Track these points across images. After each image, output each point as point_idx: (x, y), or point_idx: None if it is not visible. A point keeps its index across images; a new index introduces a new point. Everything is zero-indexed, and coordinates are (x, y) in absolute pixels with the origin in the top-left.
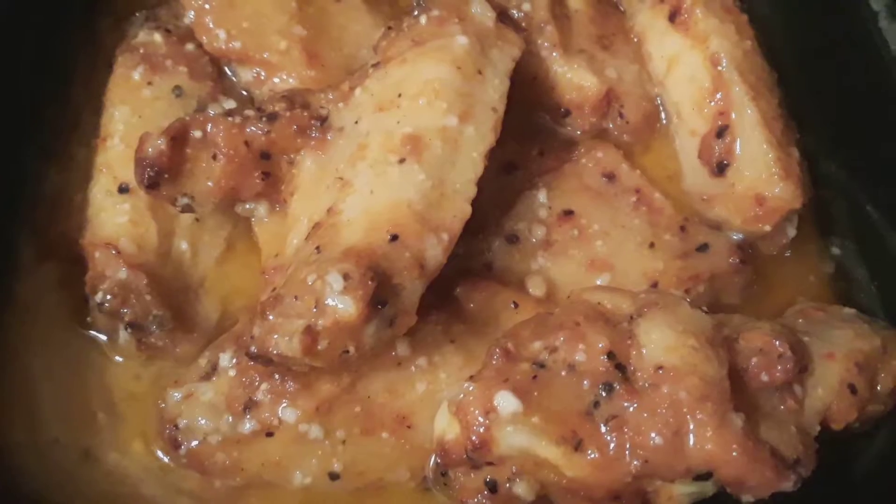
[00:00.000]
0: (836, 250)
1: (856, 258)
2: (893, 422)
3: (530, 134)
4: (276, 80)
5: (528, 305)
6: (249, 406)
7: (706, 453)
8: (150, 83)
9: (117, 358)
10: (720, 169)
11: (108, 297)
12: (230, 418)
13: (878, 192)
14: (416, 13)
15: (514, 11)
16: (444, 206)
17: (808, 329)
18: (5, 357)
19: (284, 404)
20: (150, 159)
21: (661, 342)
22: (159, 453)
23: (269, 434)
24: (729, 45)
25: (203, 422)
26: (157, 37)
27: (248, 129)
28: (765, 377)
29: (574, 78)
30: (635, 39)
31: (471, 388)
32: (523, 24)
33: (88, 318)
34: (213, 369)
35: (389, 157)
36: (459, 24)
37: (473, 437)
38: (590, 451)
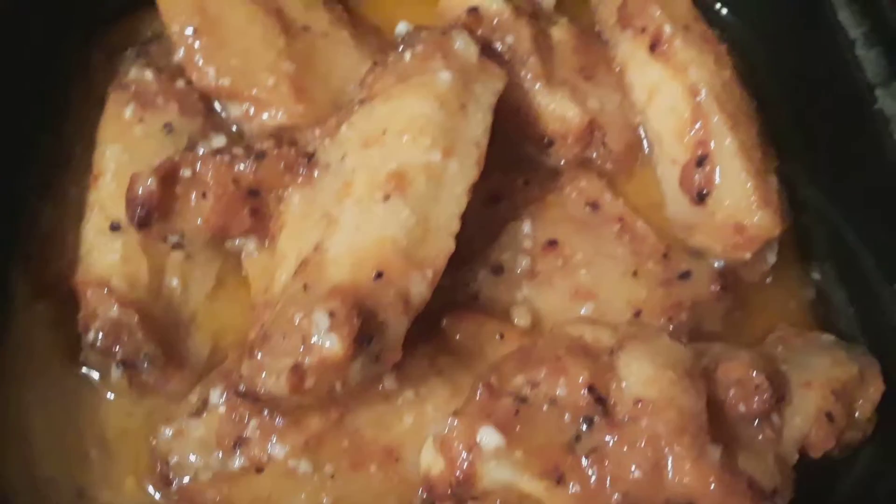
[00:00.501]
0: (816, 275)
1: (835, 283)
2: (872, 448)
3: (514, 164)
4: (266, 115)
5: (514, 336)
6: (239, 442)
7: (684, 486)
8: (141, 120)
9: (110, 395)
10: (700, 198)
11: (100, 335)
12: (220, 454)
13: (857, 217)
14: (400, 49)
15: (498, 44)
16: (428, 242)
17: (786, 357)
18: None
19: (273, 440)
20: (140, 199)
21: (641, 375)
22: (151, 490)
23: (259, 470)
24: (708, 75)
25: (194, 458)
26: (149, 74)
27: (236, 168)
28: (742, 408)
29: (557, 109)
30: (617, 69)
31: (455, 424)
32: (507, 57)
33: (81, 356)
34: (204, 406)
35: (374, 194)
36: (443, 60)
37: (458, 473)
38: (571, 485)
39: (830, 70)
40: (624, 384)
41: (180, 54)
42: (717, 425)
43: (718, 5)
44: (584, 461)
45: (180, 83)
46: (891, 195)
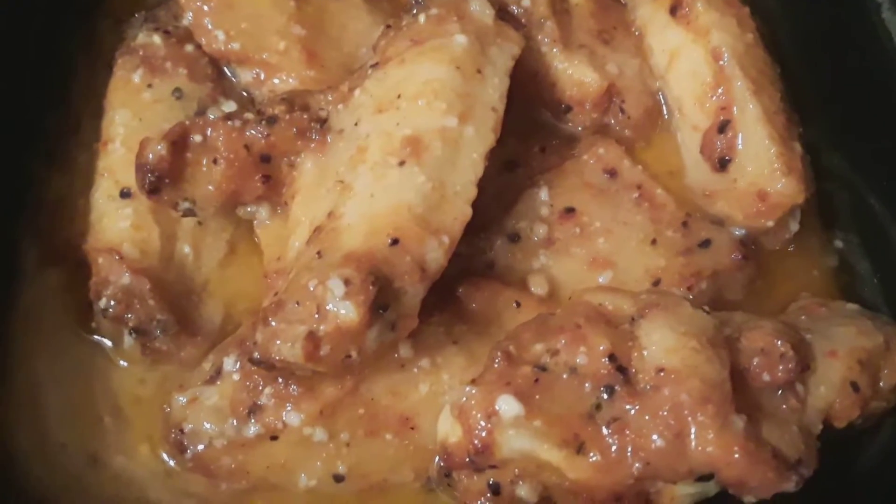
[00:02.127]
0: (839, 244)
1: (859, 252)
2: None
3: (531, 131)
4: (276, 80)
5: (531, 305)
6: (254, 410)
7: (708, 455)
8: (149, 85)
9: (122, 362)
10: (722, 164)
11: (112, 302)
12: (235, 422)
13: (881, 184)
14: (414, 12)
15: (514, 7)
16: (444, 208)
17: (810, 326)
18: (11, 363)
19: (288, 408)
20: (150, 165)
21: (663, 344)
22: (165, 457)
23: (274, 437)
24: (730, 38)
25: (208, 426)
26: (157, 38)
27: (247, 133)
28: (767, 377)
29: (575, 74)
30: (636, 33)
31: (473, 392)
32: (523, 20)
33: (93, 324)
34: (218, 373)
35: (389, 159)
36: (458, 23)
37: (476, 441)
38: (592, 454)
39: (855, 34)
40: (645, 353)
41: (189, 18)
42: (741, 395)
43: None
44: (604, 430)
45: (189, 48)
46: None
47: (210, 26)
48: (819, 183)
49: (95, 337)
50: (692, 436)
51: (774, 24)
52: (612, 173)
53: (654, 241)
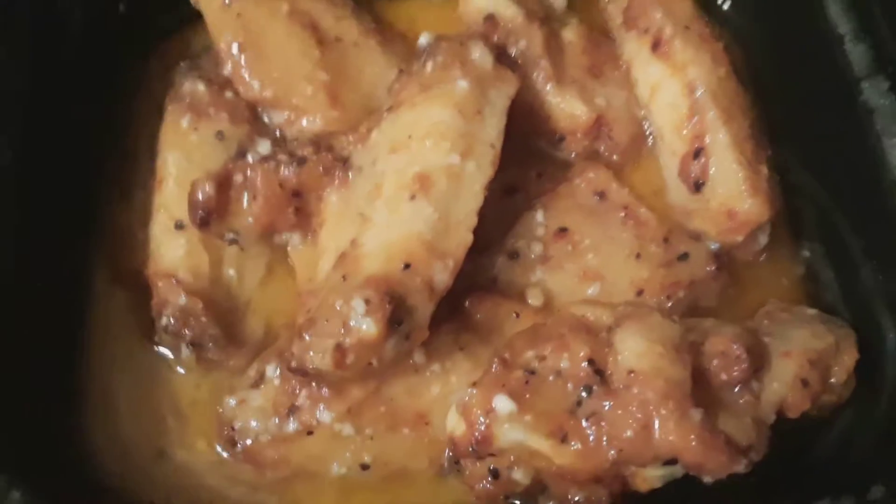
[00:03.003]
0: (806, 253)
1: (823, 260)
2: (850, 411)
3: (529, 158)
4: (305, 121)
5: (528, 315)
6: (292, 410)
7: (669, 443)
8: (196, 129)
9: (181, 370)
10: (697, 186)
11: (172, 320)
12: (277, 420)
13: (843, 199)
14: (422, 59)
15: (512, 48)
16: (449, 235)
17: (771, 330)
18: (88, 373)
19: (321, 407)
20: (201, 203)
21: (634, 349)
22: (219, 450)
23: (310, 433)
24: (704, 73)
25: (254, 423)
26: (201, 86)
27: (281, 173)
28: (724, 376)
29: (566, 108)
30: (624, 66)
31: (473, 392)
32: (520, 60)
33: (155, 337)
34: (261, 379)
35: (402, 193)
36: (461, 69)
37: (476, 434)
38: (574, 443)
39: (822, 63)
40: (619, 357)
41: (228, 68)
42: (703, 391)
43: (720, 0)
44: (584, 423)
45: (229, 94)
46: (872, 180)
47: (246, 76)
48: (789, 198)
49: (158, 349)
50: (656, 427)
51: (752, 51)
52: (602, 195)
53: (638, 256)
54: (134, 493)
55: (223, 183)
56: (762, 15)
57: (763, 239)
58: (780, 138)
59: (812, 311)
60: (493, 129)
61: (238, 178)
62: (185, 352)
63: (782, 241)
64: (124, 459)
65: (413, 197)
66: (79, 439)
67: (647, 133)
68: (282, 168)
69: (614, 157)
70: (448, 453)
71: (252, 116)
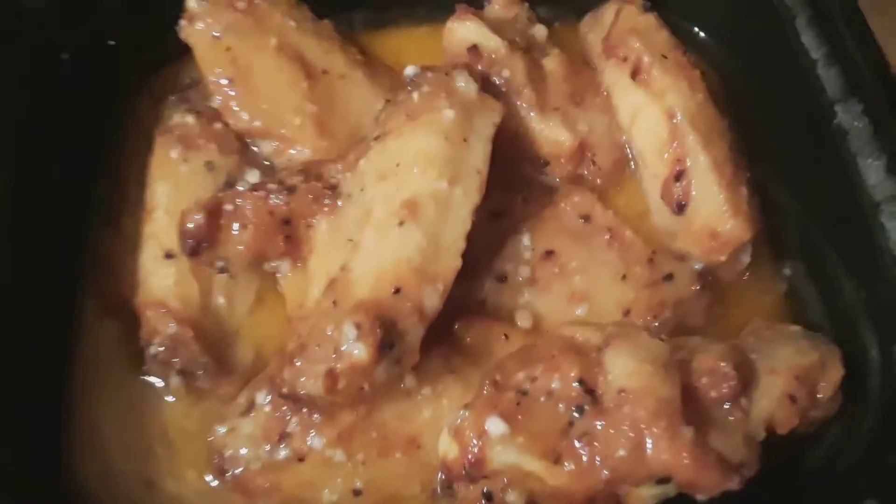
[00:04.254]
0: (787, 271)
1: (806, 277)
2: (837, 426)
3: (514, 183)
4: (293, 150)
5: (517, 336)
6: (283, 437)
7: (662, 462)
8: (185, 160)
9: (170, 399)
10: (680, 208)
11: (161, 348)
12: (268, 447)
13: (822, 217)
14: (409, 89)
15: (496, 77)
16: (438, 260)
17: (757, 347)
18: (75, 402)
19: (312, 434)
20: (191, 232)
21: (624, 369)
22: (209, 479)
23: (301, 459)
24: (682, 99)
25: (245, 451)
26: (190, 118)
27: (271, 201)
28: (713, 394)
29: (550, 134)
30: (605, 93)
31: (466, 415)
32: (504, 89)
33: (144, 367)
34: (251, 406)
35: (391, 220)
36: (447, 99)
37: (470, 457)
38: (567, 464)
39: (796, 86)
40: (610, 377)
41: (217, 101)
42: (692, 409)
43: (696, 29)
44: (576, 443)
45: (218, 125)
46: (850, 200)
47: (235, 108)
48: (769, 216)
49: (147, 378)
50: (648, 445)
51: (729, 76)
52: (587, 218)
53: (624, 277)
54: None
55: (213, 212)
56: (738, 41)
57: (745, 258)
58: (758, 158)
59: (795, 328)
60: (479, 155)
61: (228, 206)
62: (175, 380)
63: (764, 260)
64: (113, 490)
65: (402, 223)
66: (67, 470)
67: (629, 157)
68: (271, 196)
69: (598, 180)
70: (441, 477)
71: (241, 147)
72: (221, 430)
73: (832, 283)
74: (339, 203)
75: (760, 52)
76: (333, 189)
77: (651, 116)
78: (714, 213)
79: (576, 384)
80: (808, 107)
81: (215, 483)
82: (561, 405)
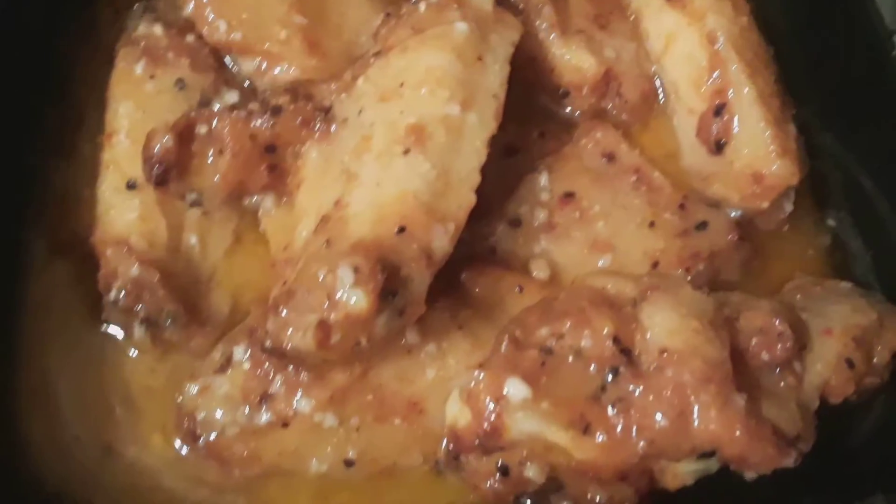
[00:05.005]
0: (831, 222)
1: (851, 230)
2: (889, 393)
3: (529, 116)
4: (278, 70)
5: (533, 289)
6: (265, 398)
7: (710, 433)
8: (152, 77)
9: (133, 352)
10: (718, 147)
11: (122, 294)
12: (246, 410)
13: (872, 163)
14: (414, 0)
15: None
16: (449, 196)
17: (805, 305)
18: (23, 356)
19: (299, 395)
20: (157, 156)
21: (665, 325)
22: (178, 446)
23: (285, 424)
24: (725, 21)
25: (220, 414)
26: (158, 29)
27: (252, 124)
28: (766, 356)
29: (573, 59)
30: (632, 17)
31: (481, 376)
32: (521, 6)
33: (103, 315)
34: (228, 362)
35: (394, 148)
36: (458, 11)
37: (485, 425)
38: (598, 434)
39: (847, 16)
40: (648, 334)
41: (190, 8)
42: (741, 374)
43: None
44: (609, 411)
45: (190, 38)
46: None
47: (211, 16)
48: (812, 162)
49: (106, 328)
50: (695, 414)
51: (768, 5)
52: (610, 157)
53: (651, 224)
54: (77, 496)
55: (184, 134)
56: None
57: (788, 206)
58: (798, 98)
59: (846, 285)
60: (495, 77)
61: (202, 128)
62: (138, 331)
63: (805, 210)
64: (66, 457)
65: (407, 151)
66: (12, 434)
67: (659, 90)
68: (253, 118)
69: (623, 116)
70: (446, 447)
71: (217, 64)
72: (193, 389)
73: (882, 236)
74: (333, 128)
75: None
76: (326, 112)
77: (688, 41)
78: (758, 152)
79: (609, 342)
80: (861, 38)
81: (185, 450)
82: (592, 366)
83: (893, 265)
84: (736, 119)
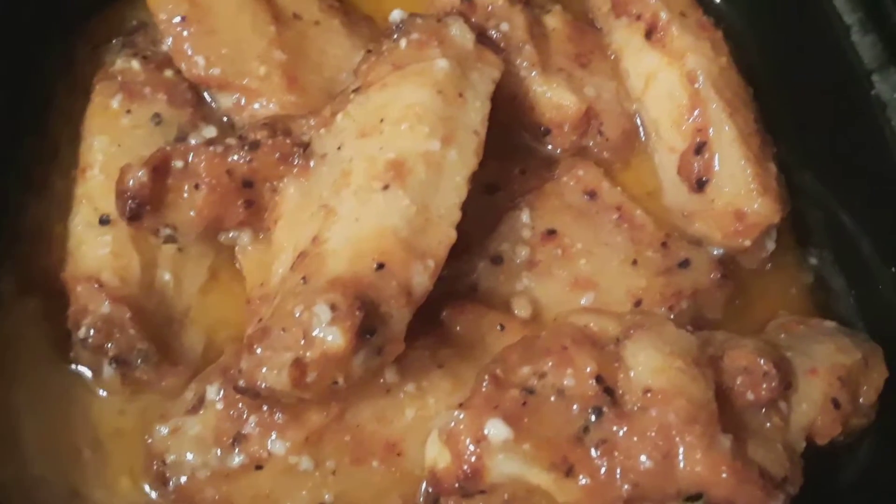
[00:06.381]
0: (813, 260)
1: (833, 268)
2: (876, 435)
3: (511, 153)
4: (257, 105)
5: (515, 327)
6: (238, 439)
7: (696, 475)
8: (128, 111)
9: (102, 392)
10: (700, 185)
11: (92, 331)
12: (219, 452)
13: (852, 201)
14: (395, 36)
15: (493, 32)
16: (429, 232)
17: (790, 344)
18: None
19: (273, 436)
20: (131, 191)
21: (648, 364)
22: (147, 490)
23: (259, 467)
24: (705, 61)
25: (191, 456)
26: (135, 64)
27: (229, 158)
28: (751, 396)
29: (553, 97)
30: (612, 57)
31: (461, 417)
32: (502, 45)
33: (72, 354)
34: (200, 402)
35: (373, 183)
36: (439, 47)
37: (465, 467)
38: (581, 477)
39: (825, 56)
40: (632, 373)
41: (168, 43)
42: (726, 414)
43: None
44: (593, 452)
45: (168, 73)
46: (887, 179)
47: (190, 52)
48: (792, 201)
49: (74, 367)
50: (680, 456)
51: (747, 46)
52: (592, 195)
53: (634, 262)
54: None
55: (159, 168)
56: (757, 7)
57: (770, 244)
58: (779, 137)
59: (830, 324)
60: (476, 113)
61: (178, 163)
62: (108, 370)
63: (788, 248)
64: (32, 499)
65: (386, 186)
66: None
67: (640, 129)
68: (230, 153)
69: (604, 153)
70: (425, 490)
71: (195, 99)
72: (163, 430)
73: (864, 274)
74: (312, 163)
75: (784, 19)
76: (304, 147)
77: (668, 81)
78: (740, 190)
79: (592, 381)
80: (839, 78)
81: (154, 494)
82: (574, 406)
83: (876, 303)
84: (717, 157)
